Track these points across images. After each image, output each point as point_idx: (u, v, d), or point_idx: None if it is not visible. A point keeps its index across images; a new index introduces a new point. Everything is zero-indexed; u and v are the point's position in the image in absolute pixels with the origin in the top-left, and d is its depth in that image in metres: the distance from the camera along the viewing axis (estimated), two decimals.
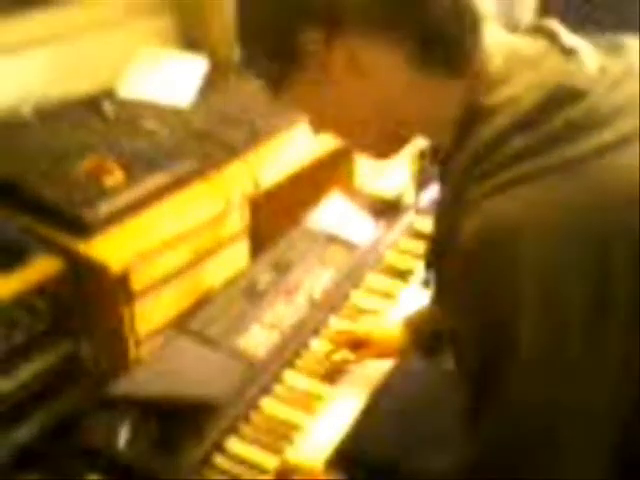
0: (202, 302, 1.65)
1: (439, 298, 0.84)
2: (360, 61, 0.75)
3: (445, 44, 0.74)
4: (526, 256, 0.65)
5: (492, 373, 0.69)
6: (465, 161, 0.72)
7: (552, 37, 0.76)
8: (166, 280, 1.62)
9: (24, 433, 1.51)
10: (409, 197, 2.25)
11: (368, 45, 0.74)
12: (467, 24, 0.73)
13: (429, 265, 0.85)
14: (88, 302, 1.57)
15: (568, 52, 0.74)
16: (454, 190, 0.74)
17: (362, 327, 1.27)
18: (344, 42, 0.74)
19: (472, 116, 0.73)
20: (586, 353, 0.66)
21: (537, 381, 0.68)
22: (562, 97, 0.69)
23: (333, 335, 1.28)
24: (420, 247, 1.53)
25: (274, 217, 1.92)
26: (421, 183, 2.47)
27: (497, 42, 0.76)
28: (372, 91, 0.77)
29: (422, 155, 2.40)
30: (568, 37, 0.76)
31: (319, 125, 0.85)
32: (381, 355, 1.24)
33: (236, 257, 1.78)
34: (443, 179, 0.80)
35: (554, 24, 0.78)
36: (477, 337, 0.70)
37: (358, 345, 1.24)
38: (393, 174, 2.28)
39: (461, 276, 0.70)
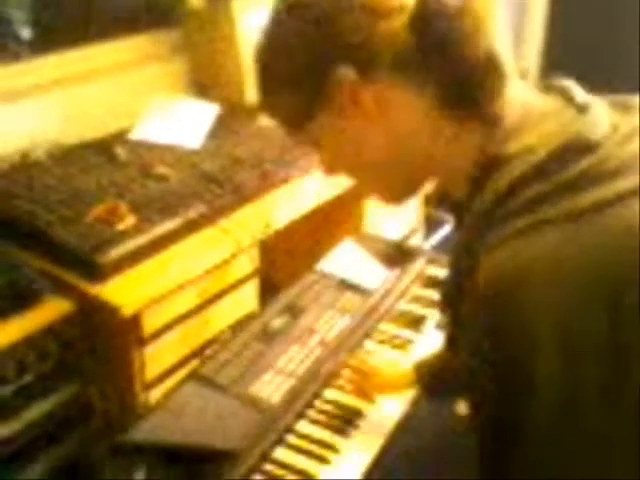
0: (212, 344, 1.66)
1: (454, 340, 0.84)
2: (385, 104, 0.75)
3: (471, 93, 0.75)
4: (540, 301, 0.66)
5: (510, 414, 0.70)
6: (482, 207, 0.73)
7: (565, 94, 0.78)
8: (175, 323, 1.62)
9: (30, 475, 1.49)
10: (417, 240, 2.27)
11: (395, 89, 0.75)
12: (494, 75, 0.75)
13: (444, 309, 0.85)
14: (97, 344, 1.56)
15: (581, 108, 0.76)
16: (470, 235, 0.75)
17: (375, 362, 1.27)
18: (373, 84, 0.74)
19: (489, 163, 0.74)
20: (602, 396, 0.66)
21: (556, 420, 0.68)
22: (576, 148, 0.70)
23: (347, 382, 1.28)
24: (432, 295, 1.53)
25: (283, 258, 1.93)
26: (428, 227, 2.50)
27: (515, 94, 0.78)
28: (394, 134, 0.78)
29: (427, 200, 2.43)
30: (581, 94, 0.78)
31: (334, 166, 0.85)
32: (387, 390, 1.25)
33: (245, 299, 1.78)
34: (457, 224, 0.82)
35: (567, 82, 0.80)
36: (495, 378, 0.70)
37: (366, 377, 1.25)
38: (401, 217, 2.30)
39: (478, 319, 0.71)
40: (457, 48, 0.73)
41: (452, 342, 0.83)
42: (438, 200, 2.51)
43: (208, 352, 1.45)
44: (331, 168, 0.85)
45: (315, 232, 2.03)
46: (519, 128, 0.75)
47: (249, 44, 2.16)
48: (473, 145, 0.77)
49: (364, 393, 1.26)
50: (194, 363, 1.64)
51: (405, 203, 0.87)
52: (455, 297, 0.78)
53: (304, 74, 0.77)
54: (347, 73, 0.74)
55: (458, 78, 0.74)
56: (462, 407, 1.34)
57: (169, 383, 1.61)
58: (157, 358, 1.59)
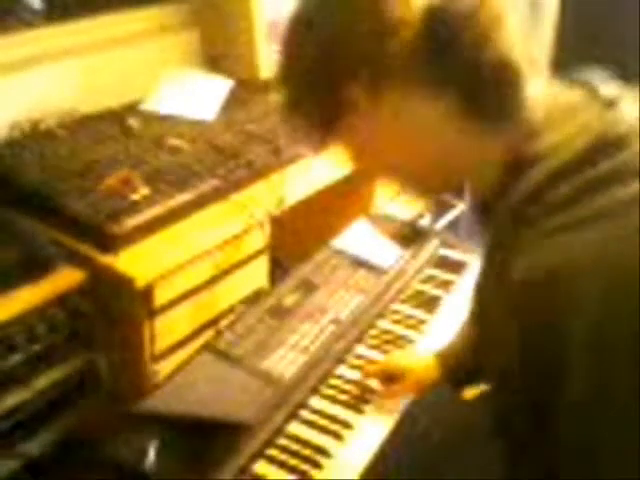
0: (222, 318, 1.66)
1: (486, 333, 0.84)
2: (405, 111, 0.76)
3: (492, 96, 0.75)
4: (577, 298, 0.66)
5: (542, 400, 0.70)
6: (512, 205, 0.74)
7: (591, 89, 0.78)
8: (186, 296, 1.62)
9: (39, 443, 1.50)
10: (426, 222, 2.26)
11: (413, 96, 0.75)
12: (511, 75, 0.74)
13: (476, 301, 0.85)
14: (108, 315, 1.56)
15: (608, 102, 0.75)
16: (501, 232, 0.75)
17: (397, 361, 1.26)
18: (390, 93, 0.75)
19: (518, 162, 0.74)
20: (632, 395, 0.66)
21: (586, 417, 0.68)
22: (604, 145, 0.71)
23: (365, 365, 1.28)
24: (445, 276, 1.53)
25: (292, 236, 1.92)
26: (436, 210, 2.50)
27: (539, 91, 0.77)
28: (415, 139, 0.78)
29: None
30: (607, 88, 0.77)
31: (361, 166, 0.87)
32: (414, 390, 1.23)
33: (255, 275, 1.78)
34: (485, 222, 0.82)
35: (593, 76, 0.79)
36: (528, 371, 0.71)
37: (391, 378, 1.23)
38: (410, 199, 2.29)
39: (513, 312, 0.71)
40: (471, 51, 0.73)
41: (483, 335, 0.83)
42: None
43: (222, 325, 1.45)
44: (359, 167, 0.87)
45: (324, 211, 2.02)
46: (546, 126, 0.75)
47: (263, 18, 2.14)
48: (497, 146, 0.76)
49: (392, 393, 1.25)
50: (204, 336, 1.65)
51: (435, 196, 0.87)
52: (485, 294, 0.79)
53: (320, 83, 0.78)
54: (361, 84, 0.75)
55: (475, 81, 0.74)
56: (468, 392, 1.33)
57: (178, 355, 1.61)
58: (167, 330, 1.59)
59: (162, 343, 1.59)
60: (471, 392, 1.27)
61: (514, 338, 0.71)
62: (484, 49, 0.73)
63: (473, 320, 0.98)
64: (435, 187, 0.86)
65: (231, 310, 1.69)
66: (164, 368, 1.59)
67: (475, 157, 0.78)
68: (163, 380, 1.20)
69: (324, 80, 0.77)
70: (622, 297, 0.65)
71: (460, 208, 2.63)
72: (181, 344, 1.63)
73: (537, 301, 0.68)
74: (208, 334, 1.65)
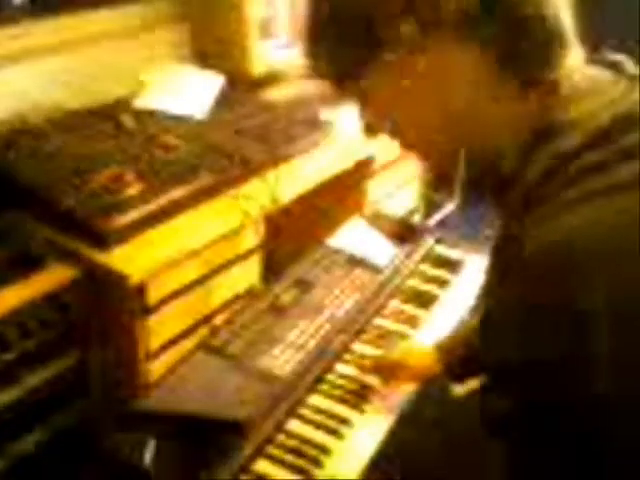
0: (216, 316, 1.65)
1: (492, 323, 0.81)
2: (444, 64, 0.74)
3: (533, 58, 0.74)
4: (587, 274, 0.64)
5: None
6: (539, 173, 0.72)
7: (617, 67, 0.78)
8: (179, 294, 1.60)
9: (29, 441, 1.48)
10: (418, 218, 2.27)
11: (455, 51, 0.73)
12: (558, 41, 0.74)
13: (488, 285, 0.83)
14: (101, 313, 1.55)
15: (634, 79, 0.75)
16: (524, 201, 0.73)
17: (395, 354, 1.26)
18: (434, 43, 0.73)
19: (547, 130, 0.73)
20: None
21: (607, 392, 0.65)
22: (633, 120, 0.70)
23: (363, 361, 1.27)
24: (441, 274, 1.53)
25: (285, 235, 1.92)
26: (427, 210, 2.51)
27: (574, 62, 0.77)
28: (449, 96, 0.76)
29: (427, 183, 2.43)
30: (632, 66, 0.78)
31: (377, 125, 0.83)
32: (415, 379, 1.23)
33: (248, 273, 1.77)
34: (497, 201, 0.80)
35: (618, 55, 0.80)
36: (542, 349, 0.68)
37: (391, 370, 1.23)
38: (402, 197, 2.30)
39: (524, 289, 0.68)
40: (523, 10, 0.72)
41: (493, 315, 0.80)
42: (436, 184, 2.52)
43: (217, 323, 1.44)
44: (373, 127, 0.83)
45: (317, 211, 2.02)
46: (576, 97, 0.74)
47: (256, 14, 2.13)
48: (531, 111, 0.75)
49: (395, 385, 1.24)
50: (196, 334, 1.64)
51: (445, 173, 0.85)
52: (498, 269, 0.77)
53: (366, 23, 0.75)
54: (411, 29, 0.72)
55: (521, 41, 0.73)
56: (458, 389, 1.33)
57: (171, 354, 1.60)
58: (160, 328, 1.57)
59: (155, 341, 1.57)
60: (461, 390, 1.27)
61: (527, 312, 0.68)
62: (536, 9, 0.72)
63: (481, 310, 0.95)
64: (453, 156, 0.83)
65: (225, 308, 1.69)
66: (157, 366, 1.58)
67: (506, 123, 0.77)
68: (160, 378, 1.19)
69: (368, 17, 0.74)
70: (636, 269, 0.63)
71: (449, 208, 2.64)
72: (174, 342, 1.62)
73: (548, 277, 0.65)
74: (201, 332, 1.64)
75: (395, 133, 0.82)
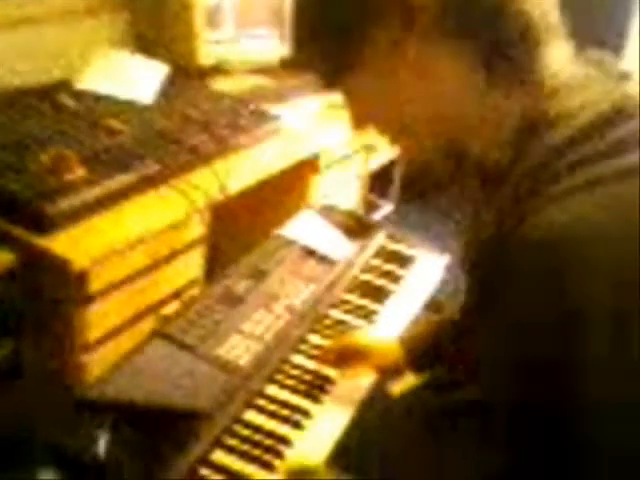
0: (158, 308, 1.60)
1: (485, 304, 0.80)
2: (428, 60, 0.76)
3: (512, 53, 0.75)
4: (586, 262, 0.64)
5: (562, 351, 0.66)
6: (529, 168, 0.73)
7: (600, 65, 0.79)
8: (121, 283, 1.54)
9: None
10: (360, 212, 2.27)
11: (437, 46, 0.75)
12: (536, 35, 0.75)
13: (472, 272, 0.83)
14: (39, 301, 1.47)
15: (617, 77, 0.77)
16: (515, 196, 0.74)
17: (356, 340, 1.25)
18: (417, 39, 0.75)
19: (534, 124, 0.75)
20: None
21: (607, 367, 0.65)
22: (623, 111, 0.72)
23: (321, 351, 1.25)
24: (393, 268, 1.53)
25: (232, 226, 1.88)
26: (365, 208, 2.53)
27: (559, 58, 0.78)
28: (435, 90, 0.77)
29: (365, 185, 2.45)
30: (616, 65, 0.79)
31: (365, 118, 0.83)
32: (377, 368, 1.22)
33: (191, 264, 1.72)
34: (486, 193, 0.80)
35: (601, 54, 0.81)
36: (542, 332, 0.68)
37: (351, 357, 1.22)
38: (344, 195, 2.29)
39: (523, 275, 0.68)
40: (494, 5, 0.73)
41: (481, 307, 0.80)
42: (372, 185, 2.55)
43: (168, 312, 1.39)
44: (362, 120, 0.84)
45: (263, 203, 1.99)
46: (562, 94, 0.75)
47: (202, 3, 2.08)
48: (517, 106, 0.76)
49: (354, 373, 1.23)
50: (137, 326, 1.58)
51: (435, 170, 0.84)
52: (490, 259, 0.77)
53: (353, 20, 0.77)
54: (393, 27, 0.74)
55: (496, 36, 0.74)
56: (395, 387, 1.33)
57: (109, 346, 1.53)
58: (99, 319, 1.51)
59: (94, 332, 1.51)
60: (398, 388, 1.27)
61: (524, 296, 0.68)
62: (507, 5, 0.74)
63: (468, 304, 0.94)
64: (439, 151, 0.83)
65: (170, 299, 1.64)
66: (95, 358, 1.51)
67: (493, 117, 0.78)
68: (112, 366, 1.13)
69: (356, 15, 0.77)
70: (633, 257, 0.64)
71: (387, 209, 2.66)
72: (113, 334, 1.56)
73: (549, 263, 0.65)
74: (142, 325, 1.58)
75: (381, 126, 0.83)
